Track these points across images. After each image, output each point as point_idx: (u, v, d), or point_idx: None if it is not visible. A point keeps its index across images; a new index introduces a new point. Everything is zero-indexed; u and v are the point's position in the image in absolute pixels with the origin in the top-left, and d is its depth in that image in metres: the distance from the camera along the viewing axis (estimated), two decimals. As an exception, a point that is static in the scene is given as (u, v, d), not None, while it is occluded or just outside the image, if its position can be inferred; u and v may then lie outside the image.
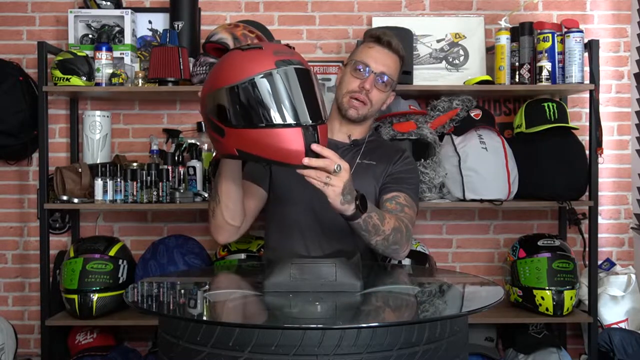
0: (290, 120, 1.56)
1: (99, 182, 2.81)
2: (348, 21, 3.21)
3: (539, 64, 2.85)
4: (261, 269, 1.76)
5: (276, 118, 1.55)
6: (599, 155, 2.86)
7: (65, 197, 2.84)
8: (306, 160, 1.57)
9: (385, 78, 2.10)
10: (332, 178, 1.62)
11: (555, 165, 2.85)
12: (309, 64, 3.13)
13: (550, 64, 2.84)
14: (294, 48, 1.68)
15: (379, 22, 3.08)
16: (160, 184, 2.82)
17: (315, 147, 1.57)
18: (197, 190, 2.89)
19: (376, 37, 2.13)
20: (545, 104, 2.91)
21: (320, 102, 1.63)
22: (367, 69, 2.09)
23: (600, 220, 3.12)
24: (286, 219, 2.08)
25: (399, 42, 2.14)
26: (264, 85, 1.56)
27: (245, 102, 1.57)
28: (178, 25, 3.00)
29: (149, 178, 2.82)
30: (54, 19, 3.20)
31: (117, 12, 3.03)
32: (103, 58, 2.87)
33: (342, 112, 2.13)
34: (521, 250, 2.90)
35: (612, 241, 3.26)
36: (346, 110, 2.11)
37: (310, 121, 1.57)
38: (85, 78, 2.81)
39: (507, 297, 2.94)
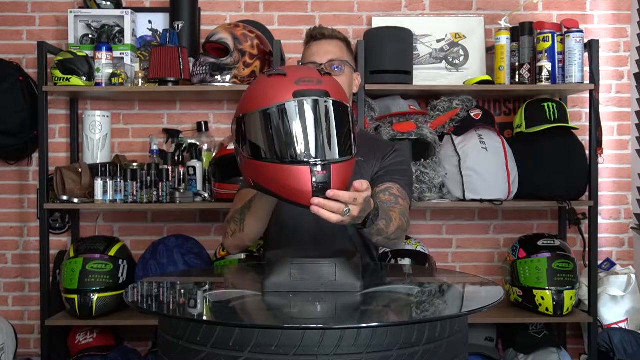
0: (299, 156, 1.45)
1: (99, 182, 2.81)
2: (348, 21, 3.21)
3: (539, 64, 2.85)
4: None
5: (284, 153, 1.45)
6: (599, 155, 2.86)
7: (65, 197, 2.84)
8: (315, 203, 1.45)
9: (336, 63, 2.11)
10: (344, 217, 1.50)
11: (555, 165, 2.85)
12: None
13: (550, 64, 2.84)
14: (329, 74, 1.57)
15: (379, 22, 3.08)
16: (160, 184, 2.82)
17: (329, 193, 1.44)
18: (197, 190, 2.89)
19: (309, 36, 2.16)
20: (545, 104, 2.91)
21: (346, 137, 1.51)
22: (314, 65, 2.10)
23: (600, 220, 3.12)
24: (285, 219, 2.08)
25: (333, 29, 2.16)
26: (274, 117, 1.46)
27: (255, 133, 1.49)
28: (178, 25, 3.01)
29: (149, 178, 2.83)
30: (54, 19, 3.20)
31: (117, 12, 3.03)
32: (103, 58, 2.87)
33: None
34: (521, 250, 2.90)
35: (612, 241, 3.26)
36: None
37: (320, 159, 1.45)
38: (85, 78, 2.81)
39: (507, 297, 2.94)
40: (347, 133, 1.52)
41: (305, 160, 1.44)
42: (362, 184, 1.49)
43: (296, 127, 1.46)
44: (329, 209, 1.46)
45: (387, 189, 1.98)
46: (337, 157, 1.47)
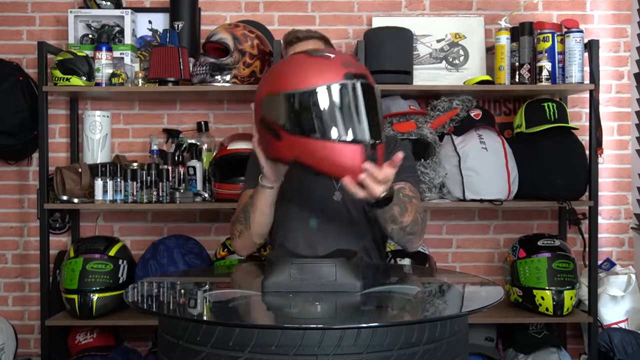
0: (351, 136, 1.50)
1: (99, 182, 2.81)
2: (348, 21, 3.21)
3: (539, 64, 2.85)
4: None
5: (337, 132, 1.50)
6: (599, 155, 2.86)
7: (65, 197, 2.84)
8: (367, 168, 1.52)
9: None
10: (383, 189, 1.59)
11: (555, 165, 2.85)
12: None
13: (550, 64, 2.84)
14: (358, 60, 1.63)
15: (379, 22, 3.08)
16: (160, 184, 2.82)
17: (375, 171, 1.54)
18: (197, 190, 2.89)
19: (287, 42, 2.14)
20: (545, 104, 2.91)
21: (381, 121, 1.60)
22: None
23: (600, 220, 3.11)
24: (289, 218, 2.08)
25: (308, 30, 2.15)
26: (328, 96, 1.51)
27: (306, 111, 1.51)
28: (178, 25, 3.01)
29: (149, 178, 2.83)
30: (54, 19, 3.20)
31: (117, 12, 3.03)
32: (103, 58, 2.87)
33: None
34: (521, 250, 2.90)
35: (612, 241, 3.26)
36: None
37: (371, 140, 1.52)
38: (85, 78, 2.81)
39: (507, 297, 2.94)
40: (382, 117, 1.62)
41: (360, 139, 1.51)
42: (398, 156, 1.57)
43: (353, 108, 1.52)
44: (376, 179, 1.54)
45: (400, 190, 1.97)
46: (382, 138, 1.56)
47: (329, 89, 1.51)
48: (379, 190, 1.56)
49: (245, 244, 2.00)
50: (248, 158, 2.15)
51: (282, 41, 2.20)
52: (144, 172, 2.84)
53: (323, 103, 1.51)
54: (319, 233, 2.02)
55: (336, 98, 1.51)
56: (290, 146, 1.55)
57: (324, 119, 1.50)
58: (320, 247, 1.94)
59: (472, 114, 2.93)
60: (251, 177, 2.07)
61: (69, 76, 2.79)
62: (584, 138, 2.98)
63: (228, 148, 2.82)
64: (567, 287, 2.80)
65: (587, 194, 2.90)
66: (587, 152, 2.91)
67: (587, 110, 2.98)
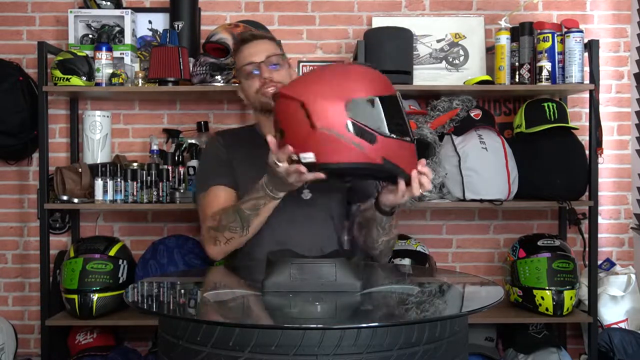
0: (414, 136, 1.71)
1: (99, 182, 2.81)
2: (348, 21, 3.21)
3: (539, 64, 2.85)
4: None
5: (410, 133, 1.67)
6: (599, 155, 2.86)
7: (65, 197, 2.84)
8: (419, 168, 1.73)
9: (272, 59, 2.10)
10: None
11: (555, 165, 2.85)
12: (309, 64, 3.16)
13: (550, 64, 2.84)
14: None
15: (379, 22, 3.08)
16: (160, 184, 2.82)
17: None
18: (197, 190, 2.88)
19: (239, 42, 2.15)
20: (545, 104, 2.91)
21: None
22: (253, 64, 2.09)
23: (600, 220, 3.12)
24: (279, 221, 2.05)
25: (256, 29, 2.19)
26: (401, 101, 1.68)
27: (398, 114, 1.65)
28: (178, 25, 3.01)
29: (149, 178, 2.83)
30: (54, 19, 3.20)
31: (117, 12, 3.03)
32: (103, 58, 2.87)
33: (268, 108, 2.07)
34: (521, 250, 2.90)
35: (612, 241, 3.26)
36: (268, 102, 2.04)
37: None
38: (85, 78, 2.81)
39: (507, 297, 2.94)
40: None
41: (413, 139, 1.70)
42: (422, 161, 1.76)
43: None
44: (428, 176, 1.75)
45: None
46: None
47: (399, 94, 1.68)
48: (425, 188, 1.75)
49: (229, 249, 1.96)
50: None
51: (234, 50, 2.19)
52: (144, 172, 2.84)
53: (402, 106, 1.66)
54: (290, 231, 2.00)
55: (401, 103, 1.68)
56: (384, 148, 1.62)
57: (406, 121, 1.66)
58: (290, 244, 1.91)
59: (472, 114, 2.93)
60: (211, 177, 2.03)
61: (69, 76, 2.79)
62: (584, 138, 2.98)
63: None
64: (567, 287, 2.80)
65: (587, 194, 2.90)
66: (587, 152, 2.91)
67: (587, 110, 2.98)
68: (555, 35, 2.87)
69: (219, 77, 2.78)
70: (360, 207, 2.12)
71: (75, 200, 2.85)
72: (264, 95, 2.08)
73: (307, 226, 2.03)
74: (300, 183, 1.72)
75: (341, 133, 1.59)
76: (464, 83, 2.96)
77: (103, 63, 2.87)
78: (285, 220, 1.99)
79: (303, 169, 1.63)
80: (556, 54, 2.87)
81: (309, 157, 1.61)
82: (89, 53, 2.89)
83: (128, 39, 3.00)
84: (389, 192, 1.81)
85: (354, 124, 1.59)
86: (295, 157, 1.63)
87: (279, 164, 1.67)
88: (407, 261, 2.86)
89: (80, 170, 2.88)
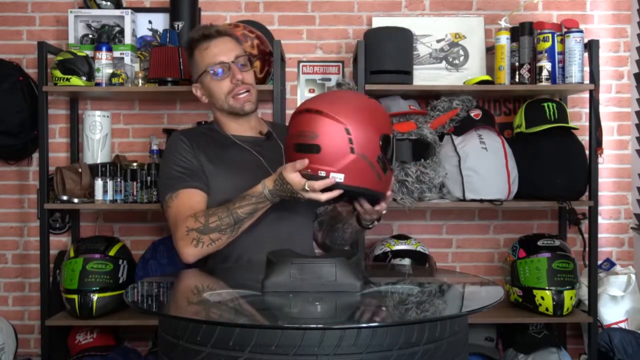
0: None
1: (99, 182, 2.81)
2: (348, 21, 3.21)
3: (539, 64, 2.85)
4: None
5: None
6: (599, 155, 2.86)
7: (65, 197, 2.84)
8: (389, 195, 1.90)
9: (241, 59, 2.08)
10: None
11: (555, 165, 2.85)
12: (309, 64, 3.17)
13: (550, 64, 2.84)
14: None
15: (379, 22, 3.08)
16: (160, 184, 2.82)
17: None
18: (197, 190, 2.88)
19: (201, 37, 2.07)
20: (545, 104, 2.91)
21: None
22: (223, 64, 2.05)
23: (600, 220, 3.12)
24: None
25: (217, 25, 2.11)
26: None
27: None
28: (178, 25, 3.01)
29: (149, 178, 2.83)
30: (54, 19, 3.20)
31: (117, 12, 3.04)
32: (103, 58, 2.87)
33: (238, 112, 2.09)
34: (521, 250, 2.90)
35: (612, 241, 3.26)
36: (241, 108, 2.07)
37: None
38: (85, 78, 2.81)
39: (507, 297, 2.94)
40: None
41: None
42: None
43: None
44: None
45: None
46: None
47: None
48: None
49: (209, 251, 1.92)
50: None
51: (190, 44, 2.10)
52: (144, 172, 2.84)
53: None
54: (268, 233, 1.99)
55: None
56: (389, 179, 1.84)
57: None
58: (269, 245, 1.89)
59: (472, 114, 2.93)
60: (180, 178, 1.99)
61: (69, 76, 2.79)
62: (584, 138, 2.98)
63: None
64: (567, 287, 2.80)
65: (587, 194, 2.90)
66: (587, 152, 2.91)
67: (587, 110, 2.98)
68: (555, 35, 2.87)
69: (219, 77, 2.77)
70: (327, 209, 2.23)
71: (75, 200, 2.85)
72: (236, 99, 2.06)
73: (280, 225, 2.03)
74: (310, 197, 1.78)
75: (373, 162, 1.74)
76: (464, 83, 2.96)
77: (103, 63, 2.87)
78: (259, 220, 1.96)
79: (329, 185, 1.74)
80: (556, 54, 2.87)
81: (339, 177, 1.72)
82: (89, 53, 2.89)
83: (128, 39, 3.00)
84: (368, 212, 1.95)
85: (379, 156, 1.75)
86: (323, 174, 1.72)
87: (308, 180, 1.75)
88: (407, 261, 2.86)
89: (80, 170, 2.88)
